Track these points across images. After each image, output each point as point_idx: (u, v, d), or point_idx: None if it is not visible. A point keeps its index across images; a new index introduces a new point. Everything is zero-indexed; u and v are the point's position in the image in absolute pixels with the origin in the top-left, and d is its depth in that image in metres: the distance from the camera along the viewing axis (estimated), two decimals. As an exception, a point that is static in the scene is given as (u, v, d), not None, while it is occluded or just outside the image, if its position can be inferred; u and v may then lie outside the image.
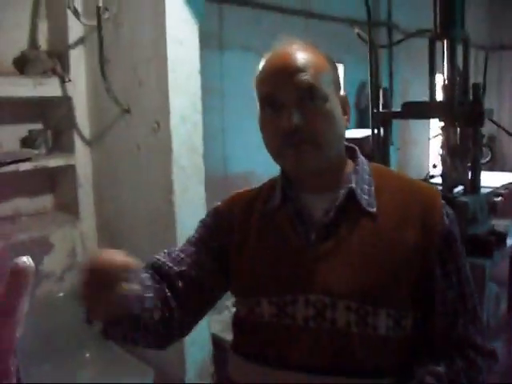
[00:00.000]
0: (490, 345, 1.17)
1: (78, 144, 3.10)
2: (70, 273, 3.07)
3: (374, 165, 1.25)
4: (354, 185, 1.15)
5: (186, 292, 1.22)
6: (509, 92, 8.97)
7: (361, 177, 1.18)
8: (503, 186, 5.36)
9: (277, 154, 1.15)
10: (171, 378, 2.80)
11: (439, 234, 1.12)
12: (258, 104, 1.18)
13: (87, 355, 2.88)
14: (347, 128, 1.20)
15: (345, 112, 1.19)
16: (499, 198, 4.21)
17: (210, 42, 3.98)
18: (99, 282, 0.93)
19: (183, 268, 1.23)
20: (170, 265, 1.23)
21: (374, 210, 1.14)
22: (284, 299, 1.12)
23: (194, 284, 1.24)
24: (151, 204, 2.76)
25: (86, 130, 3.11)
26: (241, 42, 4.27)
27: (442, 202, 1.17)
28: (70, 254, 3.10)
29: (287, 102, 1.10)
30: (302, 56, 1.12)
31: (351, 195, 1.15)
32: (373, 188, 1.17)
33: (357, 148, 1.25)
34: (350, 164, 1.22)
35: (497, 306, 3.51)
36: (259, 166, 4.66)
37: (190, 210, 2.69)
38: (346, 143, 1.24)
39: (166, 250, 1.29)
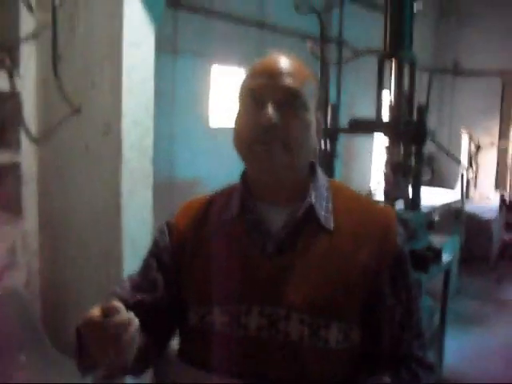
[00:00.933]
0: (429, 358, 1.23)
1: (25, 141, 3.02)
2: (9, 272, 2.99)
3: (332, 181, 1.27)
4: (313, 200, 1.17)
5: (147, 319, 1.17)
6: (448, 113, 9.32)
7: (320, 192, 1.19)
8: (441, 204, 5.59)
9: (247, 148, 1.14)
10: (110, 380, 2.76)
11: (392, 255, 1.16)
12: (239, 100, 1.18)
13: (23, 357, 2.80)
14: (315, 148, 1.22)
15: (318, 132, 1.21)
16: (437, 216, 4.38)
17: (164, 46, 3.97)
18: (104, 338, 0.94)
19: (138, 298, 1.22)
20: (125, 297, 1.20)
21: (331, 226, 1.16)
22: (238, 308, 1.13)
23: (153, 308, 1.22)
24: (98, 206, 2.73)
25: (33, 128, 3.02)
26: (194, 49, 4.30)
27: (396, 222, 1.21)
28: (10, 252, 3.02)
29: (270, 100, 1.11)
30: (292, 64, 1.16)
31: (310, 210, 1.16)
32: (330, 205, 1.19)
33: (316, 163, 1.26)
34: (309, 178, 1.22)
35: (430, 319, 3.63)
36: (206, 172, 4.70)
37: (137, 214, 2.68)
38: None
39: (123, 280, 1.29)
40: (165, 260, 1.25)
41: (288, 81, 1.12)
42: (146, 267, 1.27)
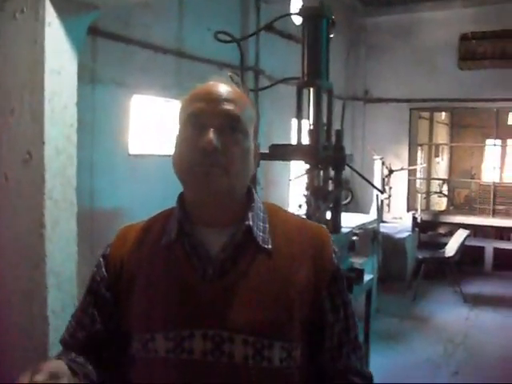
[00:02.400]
0: (367, 369, 1.27)
1: None
2: None
3: (267, 203, 1.30)
4: (251, 222, 1.18)
5: (94, 357, 1.21)
6: (361, 139, 9.69)
7: (256, 214, 1.21)
8: (357, 226, 5.76)
9: (187, 171, 1.14)
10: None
11: (329, 272, 1.20)
12: (179, 124, 1.20)
13: None
14: (254, 170, 1.25)
15: (255, 157, 1.24)
16: (356, 238, 4.52)
17: (82, 74, 3.90)
18: None
19: (80, 338, 1.24)
20: (70, 343, 1.25)
21: (270, 247, 1.18)
22: (181, 334, 1.12)
23: (95, 342, 1.23)
24: (19, 238, 2.61)
25: None
26: (113, 77, 4.26)
27: (331, 240, 1.25)
28: None
29: (211, 125, 1.12)
30: (233, 91, 1.18)
31: (248, 232, 1.17)
32: (267, 225, 1.21)
33: (251, 186, 1.28)
34: (246, 201, 1.24)
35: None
36: (126, 201, 4.63)
37: (61, 245, 2.59)
38: None
39: (72, 316, 1.30)
40: (102, 294, 1.24)
41: (229, 106, 1.15)
42: (84, 303, 1.27)
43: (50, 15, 2.45)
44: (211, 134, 1.11)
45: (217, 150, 1.11)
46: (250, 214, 1.19)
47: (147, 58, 4.59)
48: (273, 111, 6.74)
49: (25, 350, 2.61)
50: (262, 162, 4.79)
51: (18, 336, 2.66)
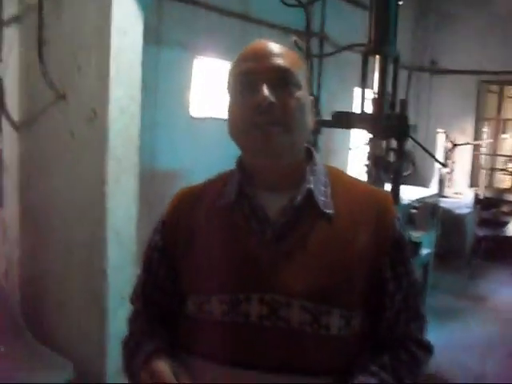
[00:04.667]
0: (427, 340, 1.25)
1: (6, 127, 2.96)
2: (-13, 261, 2.94)
3: (329, 166, 1.26)
4: (312, 185, 1.15)
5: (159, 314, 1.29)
6: (425, 111, 9.41)
7: (317, 177, 1.18)
8: (417, 199, 5.65)
9: (244, 134, 1.12)
10: (92, 372, 2.74)
11: (391, 238, 1.16)
12: (230, 88, 1.17)
13: (2, 349, 2.76)
14: (312, 128, 1.21)
15: (311, 113, 1.20)
16: (415, 211, 4.43)
17: (148, 36, 3.92)
18: None
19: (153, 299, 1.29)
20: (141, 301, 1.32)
21: (331, 211, 1.15)
22: (237, 297, 1.11)
23: (163, 303, 1.28)
24: (82, 194, 2.69)
25: (15, 114, 2.97)
26: (178, 39, 4.25)
27: (394, 206, 1.21)
28: (-11, 242, 2.97)
29: (264, 81, 1.10)
30: (280, 46, 1.16)
31: (309, 196, 1.15)
32: (329, 189, 1.18)
33: (312, 148, 1.26)
34: (306, 163, 1.21)
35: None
36: (187, 163, 4.67)
37: (122, 203, 2.65)
38: None
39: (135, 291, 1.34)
40: (161, 255, 1.26)
41: (278, 61, 1.12)
42: (147, 263, 1.30)
43: (116, -25, 2.46)
44: (265, 90, 1.09)
45: (273, 106, 1.08)
46: (311, 177, 1.17)
47: (212, 20, 4.55)
48: (336, 79, 6.60)
49: (85, 301, 2.71)
50: (323, 129, 4.76)
51: (79, 288, 2.75)
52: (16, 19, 2.89)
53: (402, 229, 1.20)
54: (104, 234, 2.60)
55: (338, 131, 6.53)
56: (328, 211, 1.15)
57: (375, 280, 1.15)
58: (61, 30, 2.69)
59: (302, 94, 1.14)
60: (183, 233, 1.22)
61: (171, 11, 4.16)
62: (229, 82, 1.17)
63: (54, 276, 2.90)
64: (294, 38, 3.84)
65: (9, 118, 2.97)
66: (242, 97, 1.13)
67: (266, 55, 1.12)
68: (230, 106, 1.16)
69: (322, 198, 1.16)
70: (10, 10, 2.86)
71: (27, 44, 2.84)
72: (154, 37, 4.04)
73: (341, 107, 4.42)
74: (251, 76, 1.12)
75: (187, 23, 4.32)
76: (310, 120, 1.18)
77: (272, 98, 1.08)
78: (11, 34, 2.90)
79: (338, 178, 1.24)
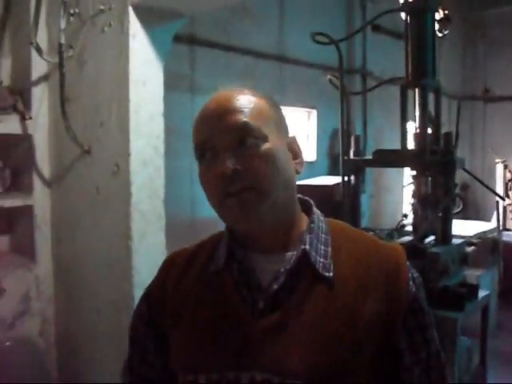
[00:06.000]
0: None
1: (37, 184, 2.98)
2: (22, 319, 2.90)
3: (333, 222, 1.12)
4: (307, 246, 1.02)
5: None
6: (480, 141, 9.09)
7: (316, 236, 1.04)
8: (475, 235, 5.35)
9: (218, 206, 1.00)
10: None
11: (404, 303, 1.00)
12: (196, 158, 1.04)
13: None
14: (299, 173, 1.07)
15: (295, 156, 1.07)
16: (471, 248, 4.16)
17: (181, 83, 3.93)
18: None
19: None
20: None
21: (331, 274, 1.00)
22: (226, 376, 0.99)
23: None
24: (109, 249, 2.63)
25: (45, 170, 2.99)
26: (213, 85, 4.20)
27: (408, 264, 1.05)
28: (23, 299, 2.94)
29: (222, 146, 0.98)
30: (235, 98, 1.01)
31: (305, 257, 1.01)
32: (330, 249, 1.04)
33: (312, 202, 1.12)
34: (304, 220, 1.08)
35: (469, 360, 3.41)
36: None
37: (149, 258, 2.56)
38: (300, 196, 1.11)
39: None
40: (148, 327, 1.14)
41: (234, 117, 0.98)
42: (133, 336, 1.19)
43: (135, 27, 2.44)
44: (223, 157, 0.96)
45: (237, 173, 0.95)
46: (307, 237, 1.03)
47: (247, 64, 4.53)
48: (383, 115, 6.46)
49: (113, 359, 2.62)
50: (370, 168, 4.59)
51: (107, 345, 2.67)
52: (43, 78, 2.93)
53: (418, 290, 1.04)
54: (131, 290, 2.52)
55: (391, 169, 6.35)
56: (327, 275, 1.00)
57: (388, 353, 0.98)
58: (83, 84, 2.69)
59: (271, 144, 1.00)
60: (171, 303, 1.10)
61: (204, 58, 4.16)
62: (194, 151, 1.05)
63: (87, 333, 2.84)
64: (329, 76, 3.74)
65: (40, 174, 2.98)
66: (206, 168, 1.00)
67: (221, 114, 0.99)
68: (200, 178, 1.04)
69: (321, 260, 1.02)
70: (38, 69, 2.90)
71: (53, 101, 2.86)
72: (187, 85, 4.04)
73: (390, 144, 4.27)
74: (208, 144, 0.99)
75: (222, 69, 4.31)
76: (289, 168, 1.03)
77: (234, 165, 0.96)
78: (39, 92, 2.94)
79: (341, 235, 1.08)
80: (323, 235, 1.06)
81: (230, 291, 1.03)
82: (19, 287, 2.94)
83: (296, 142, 1.09)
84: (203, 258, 1.11)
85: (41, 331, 3.03)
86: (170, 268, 1.16)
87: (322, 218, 1.10)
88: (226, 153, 0.97)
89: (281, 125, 1.06)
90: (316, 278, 1.00)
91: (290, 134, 1.09)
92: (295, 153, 1.07)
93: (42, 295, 3.04)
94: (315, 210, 1.10)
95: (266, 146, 0.99)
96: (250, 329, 0.99)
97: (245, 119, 0.98)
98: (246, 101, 1.01)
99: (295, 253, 1.01)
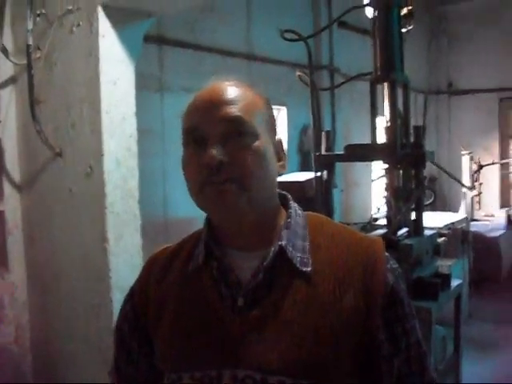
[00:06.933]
0: None
1: (7, 189, 2.92)
2: (-4, 328, 2.86)
3: (310, 215, 1.11)
4: (284, 242, 1.01)
5: None
6: (446, 134, 9.24)
7: (293, 231, 1.04)
8: (446, 226, 5.44)
9: (197, 193, 0.99)
10: None
11: (382, 295, 1.00)
12: (182, 143, 1.04)
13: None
14: (281, 175, 1.07)
15: (279, 158, 1.07)
16: (442, 239, 4.23)
17: (150, 83, 3.90)
18: None
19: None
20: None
21: (309, 269, 1.00)
22: (208, 374, 0.98)
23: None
24: (84, 252, 2.60)
25: (15, 174, 2.93)
26: (181, 84, 4.21)
27: (386, 255, 1.05)
28: (-3, 307, 2.89)
29: (212, 136, 0.97)
30: (231, 90, 1.01)
31: (282, 253, 1.01)
32: (308, 243, 1.04)
33: (289, 196, 1.12)
34: (282, 215, 1.08)
35: (444, 349, 3.47)
36: (201, 211, 4.59)
37: (125, 258, 2.55)
38: (279, 190, 1.10)
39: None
40: (132, 326, 1.15)
41: (227, 109, 0.98)
42: (118, 336, 1.18)
43: (104, 27, 2.42)
44: (211, 147, 0.95)
45: (223, 163, 0.95)
46: (284, 232, 1.03)
47: (216, 62, 4.52)
48: (351, 110, 6.52)
49: (94, 362, 2.60)
50: (341, 164, 4.63)
51: (87, 348, 2.65)
52: (11, 80, 2.87)
53: (397, 281, 1.04)
54: (108, 292, 2.49)
55: (358, 163, 6.40)
56: (305, 269, 1.00)
57: (367, 345, 0.99)
58: (53, 86, 2.65)
59: (260, 142, 1.00)
60: (154, 303, 1.10)
61: (172, 57, 4.13)
62: (182, 136, 1.04)
63: (64, 337, 2.80)
64: (298, 73, 3.75)
65: (9, 178, 2.92)
66: (192, 154, 1.00)
67: (215, 104, 0.98)
68: (182, 159, 1.03)
69: (299, 255, 1.01)
70: (4, 71, 2.85)
71: (22, 104, 2.81)
72: (156, 84, 4.01)
73: (358, 139, 4.31)
74: (198, 131, 0.99)
75: (190, 68, 4.29)
76: (273, 168, 1.04)
77: (220, 155, 0.95)
78: (7, 94, 2.88)
79: (319, 229, 1.08)
80: (301, 230, 1.06)
81: (210, 289, 1.03)
82: (-8, 295, 2.89)
83: (281, 143, 1.09)
84: (183, 257, 1.11)
85: (15, 338, 2.98)
86: (152, 268, 1.15)
87: (299, 212, 1.10)
88: (214, 143, 0.96)
89: (271, 124, 1.06)
90: (294, 273, 1.00)
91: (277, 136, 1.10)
92: (279, 154, 1.07)
93: (16, 302, 2.99)
94: (292, 204, 1.10)
95: (256, 142, 0.99)
96: (231, 326, 0.99)
97: (238, 113, 0.98)
98: (241, 94, 1.01)
99: (272, 249, 1.01)
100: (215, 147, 0.96)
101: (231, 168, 0.96)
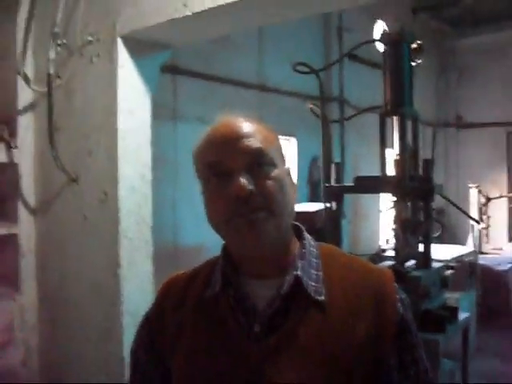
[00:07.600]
0: None
1: (23, 212, 2.97)
2: (4, 350, 2.87)
3: (323, 246, 1.16)
4: (299, 272, 1.05)
5: None
6: (454, 167, 9.28)
7: (308, 261, 1.08)
8: (454, 258, 5.44)
9: (226, 225, 1.02)
10: None
11: (393, 324, 1.04)
12: (201, 176, 1.07)
13: None
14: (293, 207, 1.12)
15: (291, 187, 1.11)
16: (450, 271, 4.23)
17: (164, 112, 3.98)
18: None
19: None
20: None
21: (323, 298, 1.04)
22: None
23: None
24: (97, 277, 2.63)
25: (31, 198, 2.99)
26: (195, 114, 4.29)
27: (396, 286, 1.10)
28: (7, 329, 2.91)
29: (237, 168, 1.01)
30: (247, 124, 1.06)
31: (297, 283, 1.05)
32: (321, 273, 1.08)
33: (302, 227, 1.16)
34: (296, 245, 1.12)
35: (451, 382, 3.45)
36: (210, 239, 4.62)
37: (137, 284, 2.57)
38: (292, 222, 1.14)
39: None
40: (148, 353, 1.17)
41: (248, 142, 1.03)
42: (133, 362, 1.21)
43: (123, 57, 2.50)
44: (241, 179, 1.00)
45: (253, 193, 0.99)
46: (299, 263, 1.07)
47: (228, 93, 4.61)
48: (360, 142, 6.58)
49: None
50: (350, 196, 4.66)
51: (96, 372, 2.66)
52: (30, 107, 2.95)
53: (406, 311, 1.08)
54: (119, 317, 2.52)
55: (366, 195, 6.44)
56: (319, 298, 1.04)
57: (378, 372, 1.02)
58: (71, 114, 2.72)
59: (279, 171, 1.05)
60: (170, 329, 1.13)
61: (186, 87, 4.22)
62: (198, 170, 1.08)
63: (73, 363, 2.81)
64: (310, 105, 3.81)
65: (25, 202, 2.98)
66: (217, 186, 1.03)
67: (235, 138, 1.03)
68: (205, 198, 1.07)
69: (313, 284, 1.06)
70: (24, 98, 2.92)
71: (40, 130, 2.88)
72: (170, 113, 4.09)
73: (367, 171, 4.35)
74: (222, 164, 1.03)
75: (203, 98, 4.38)
76: (291, 197, 1.09)
77: (249, 186, 1.00)
78: (26, 121, 2.95)
79: (332, 259, 1.13)
80: (314, 260, 1.10)
81: (227, 316, 1.06)
82: (2, 318, 2.91)
83: (290, 172, 1.14)
84: (199, 284, 1.14)
85: (23, 361, 3.00)
86: (168, 293, 1.18)
87: (312, 243, 1.14)
88: (240, 175, 1.00)
89: (281, 154, 1.11)
90: (309, 302, 1.04)
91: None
92: (291, 181, 1.12)
93: (26, 324, 3.00)
94: (306, 235, 1.14)
95: (275, 171, 1.04)
96: (247, 353, 1.02)
97: (259, 145, 1.03)
98: (256, 128, 1.06)
99: (288, 278, 1.05)
100: (243, 178, 1.00)
101: (259, 197, 1.00)
